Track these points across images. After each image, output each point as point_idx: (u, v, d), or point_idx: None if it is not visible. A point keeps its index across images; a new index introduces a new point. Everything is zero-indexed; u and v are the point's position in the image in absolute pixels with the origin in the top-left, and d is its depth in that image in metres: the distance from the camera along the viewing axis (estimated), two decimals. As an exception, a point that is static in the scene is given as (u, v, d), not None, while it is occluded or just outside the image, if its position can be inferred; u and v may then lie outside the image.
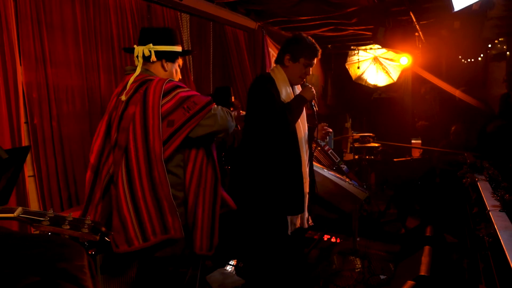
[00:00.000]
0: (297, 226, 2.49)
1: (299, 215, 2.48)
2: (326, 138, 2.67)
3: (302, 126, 2.49)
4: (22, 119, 2.49)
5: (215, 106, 1.81)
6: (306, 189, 2.50)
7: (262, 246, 2.51)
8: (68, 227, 1.18)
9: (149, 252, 1.77)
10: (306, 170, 2.49)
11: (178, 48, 1.94)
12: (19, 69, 2.48)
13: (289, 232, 2.44)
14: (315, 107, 2.48)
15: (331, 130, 2.66)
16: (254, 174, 2.43)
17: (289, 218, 2.43)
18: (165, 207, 1.70)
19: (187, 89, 1.82)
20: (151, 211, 1.69)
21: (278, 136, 2.37)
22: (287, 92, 2.42)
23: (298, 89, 2.54)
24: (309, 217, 2.58)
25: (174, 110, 1.73)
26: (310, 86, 2.47)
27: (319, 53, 2.45)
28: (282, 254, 2.51)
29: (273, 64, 2.62)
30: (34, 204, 2.60)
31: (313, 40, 2.46)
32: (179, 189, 1.83)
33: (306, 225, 2.55)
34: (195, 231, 1.85)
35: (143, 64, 1.87)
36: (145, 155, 1.69)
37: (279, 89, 2.39)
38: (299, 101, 2.38)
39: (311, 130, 2.60)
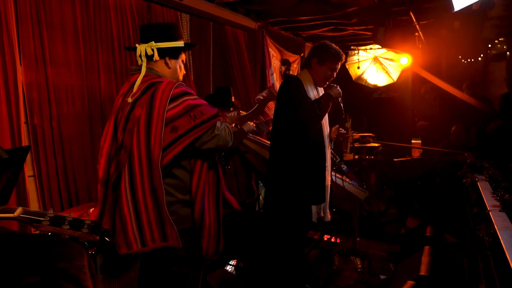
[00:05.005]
0: (321, 216, 2.71)
1: (322, 206, 2.70)
2: (341, 139, 2.87)
3: (325, 125, 2.71)
4: (22, 119, 2.49)
5: (219, 123, 1.80)
6: (328, 181, 2.72)
7: (284, 235, 2.70)
8: (68, 227, 1.18)
9: (151, 256, 1.76)
10: (328, 164, 2.72)
11: (181, 43, 1.90)
12: (19, 69, 2.48)
13: (314, 220, 2.67)
14: (341, 103, 2.69)
15: (344, 131, 2.86)
16: (284, 167, 2.63)
17: (314, 207, 2.66)
18: (164, 213, 1.68)
19: (195, 96, 1.80)
20: (150, 216, 1.67)
21: (305, 130, 2.57)
22: (313, 93, 2.65)
23: (322, 92, 2.74)
24: (328, 212, 2.77)
25: (180, 117, 1.71)
26: (336, 85, 2.67)
27: (343, 58, 2.68)
28: (300, 244, 2.76)
29: (273, 63, 2.74)
30: (34, 204, 2.60)
31: (337, 47, 2.68)
32: (183, 193, 1.81)
33: (327, 219, 2.75)
34: (202, 235, 1.83)
35: (147, 63, 1.84)
36: (147, 158, 1.67)
37: (306, 89, 2.63)
38: (326, 98, 2.60)
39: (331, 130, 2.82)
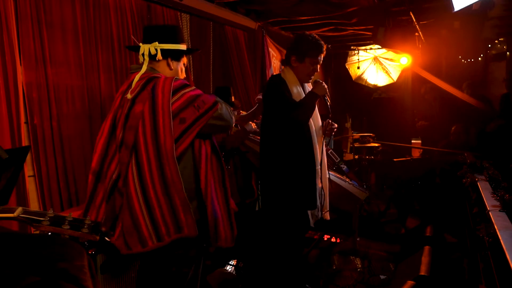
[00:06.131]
0: (318, 218, 2.61)
1: (318, 208, 2.58)
2: (332, 134, 2.71)
3: (314, 122, 2.57)
4: (22, 119, 2.49)
5: (220, 105, 1.83)
6: (322, 183, 2.59)
7: (282, 239, 2.64)
8: (68, 227, 1.18)
9: (161, 252, 1.74)
10: (319, 167, 2.57)
11: (183, 47, 1.93)
12: (19, 69, 2.48)
13: (311, 224, 2.59)
14: (328, 101, 2.56)
15: (336, 125, 2.68)
16: (273, 172, 2.55)
17: (309, 212, 2.56)
18: (178, 204, 1.69)
19: (193, 87, 1.83)
20: (164, 210, 1.67)
21: (292, 134, 2.47)
22: (298, 91, 2.51)
23: (309, 87, 2.62)
24: (327, 212, 2.67)
25: (185, 108, 1.74)
26: (321, 82, 2.53)
27: (324, 49, 2.51)
28: (298, 245, 2.70)
29: (273, 63, 2.68)
30: (34, 204, 2.60)
31: (317, 37, 2.52)
32: (189, 182, 1.80)
33: (326, 218, 2.65)
34: (218, 226, 1.83)
35: (149, 62, 1.86)
36: (155, 153, 1.68)
37: (290, 89, 2.49)
38: (311, 97, 2.47)
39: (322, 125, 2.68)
